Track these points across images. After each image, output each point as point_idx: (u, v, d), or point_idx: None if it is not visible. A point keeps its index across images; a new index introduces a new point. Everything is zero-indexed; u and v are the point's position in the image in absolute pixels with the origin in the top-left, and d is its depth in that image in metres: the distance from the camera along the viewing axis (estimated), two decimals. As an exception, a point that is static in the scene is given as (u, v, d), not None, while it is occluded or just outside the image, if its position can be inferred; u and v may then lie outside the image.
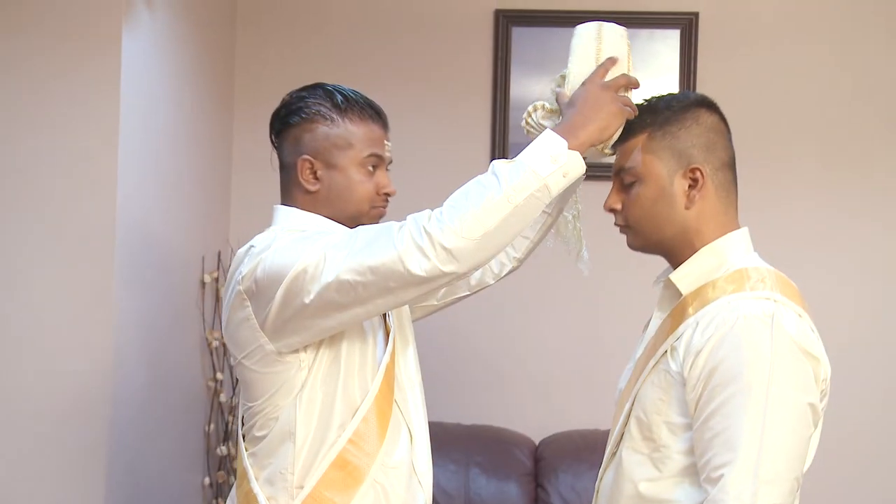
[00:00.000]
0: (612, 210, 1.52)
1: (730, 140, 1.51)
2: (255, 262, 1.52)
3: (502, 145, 2.94)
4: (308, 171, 1.60)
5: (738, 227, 1.50)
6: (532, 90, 2.94)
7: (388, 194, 1.64)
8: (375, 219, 1.65)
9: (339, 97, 1.61)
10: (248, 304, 1.53)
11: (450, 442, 2.75)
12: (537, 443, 2.86)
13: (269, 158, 2.94)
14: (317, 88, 1.64)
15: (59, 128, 2.09)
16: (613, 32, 1.55)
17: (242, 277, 1.53)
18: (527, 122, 1.63)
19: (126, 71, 2.11)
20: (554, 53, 2.93)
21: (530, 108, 1.62)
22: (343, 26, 3.01)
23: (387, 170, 1.66)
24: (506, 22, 2.95)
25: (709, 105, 1.51)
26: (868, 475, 2.90)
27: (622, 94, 1.49)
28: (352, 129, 1.60)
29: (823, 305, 2.69)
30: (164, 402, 2.44)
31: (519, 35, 2.95)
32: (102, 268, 2.09)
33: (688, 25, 2.93)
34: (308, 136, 1.60)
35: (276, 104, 2.92)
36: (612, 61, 1.51)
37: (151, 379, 2.34)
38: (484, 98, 2.97)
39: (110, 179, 2.09)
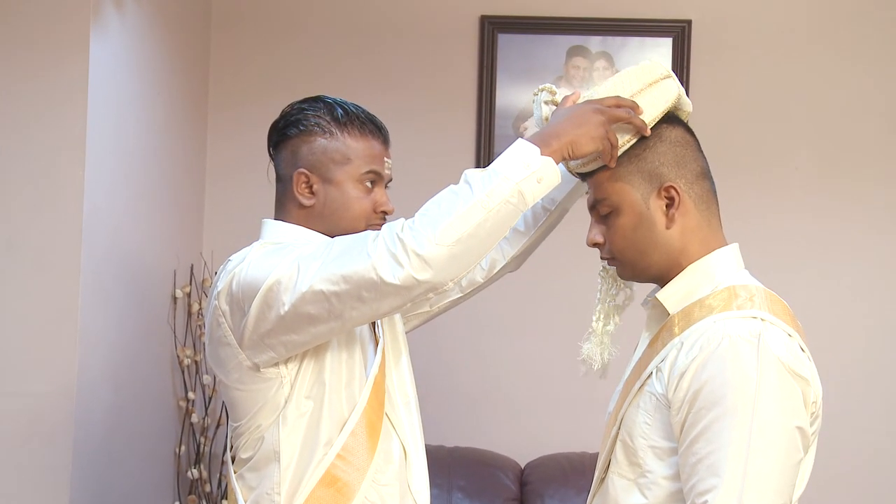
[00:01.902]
0: (595, 245, 1.52)
1: (699, 150, 1.50)
2: (229, 276, 1.53)
3: (488, 155, 2.93)
4: (304, 185, 1.61)
5: (724, 239, 1.50)
6: (519, 98, 2.94)
7: (385, 212, 1.64)
8: None
9: (340, 111, 1.62)
10: (225, 319, 1.54)
11: (432, 465, 2.67)
12: (523, 466, 2.83)
13: (244, 167, 2.96)
14: (317, 101, 1.64)
15: (22, 134, 2.06)
16: (668, 90, 1.49)
17: (218, 293, 1.54)
18: (534, 94, 1.63)
19: (94, 75, 2.09)
20: (541, 61, 2.94)
21: (544, 87, 1.61)
22: (323, 32, 2.99)
23: (386, 188, 1.66)
24: (491, 28, 2.94)
25: (670, 119, 1.49)
26: (878, 500, 2.89)
27: (619, 130, 1.45)
28: (351, 144, 1.60)
29: (821, 319, 2.71)
30: (132, 423, 2.40)
31: (505, 42, 2.94)
32: (67, 281, 2.06)
33: (680, 33, 2.93)
34: (305, 148, 1.61)
35: (252, 111, 2.95)
36: (635, 106, 1.46)
37: (118, 399, 2.30)
38: (469, 107, 2.96)
39: (77, 188, 2.07)
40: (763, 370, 1.31)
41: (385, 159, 1.65)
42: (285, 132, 1.63)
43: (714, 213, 1.49)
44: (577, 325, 2.88)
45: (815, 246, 2.95)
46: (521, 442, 2.90)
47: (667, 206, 1.44)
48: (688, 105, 1.54)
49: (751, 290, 1.42)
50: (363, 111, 1.65)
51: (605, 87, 1.50)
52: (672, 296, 1.46)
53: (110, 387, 2.26)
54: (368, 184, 1.62)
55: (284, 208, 1.65)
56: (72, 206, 2.07)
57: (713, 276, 1.45)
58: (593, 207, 1.51)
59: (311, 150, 1.61)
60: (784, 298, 1.46)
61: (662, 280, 1.49)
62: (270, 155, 1.68)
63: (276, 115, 1.69)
